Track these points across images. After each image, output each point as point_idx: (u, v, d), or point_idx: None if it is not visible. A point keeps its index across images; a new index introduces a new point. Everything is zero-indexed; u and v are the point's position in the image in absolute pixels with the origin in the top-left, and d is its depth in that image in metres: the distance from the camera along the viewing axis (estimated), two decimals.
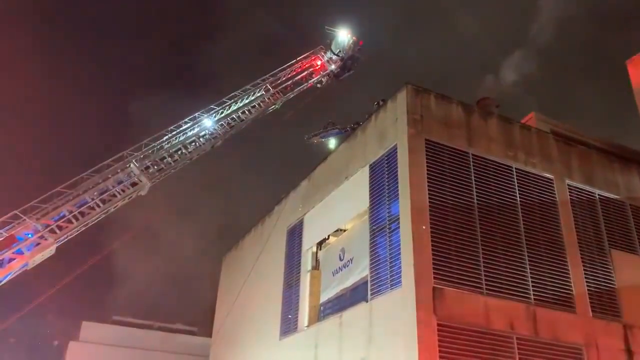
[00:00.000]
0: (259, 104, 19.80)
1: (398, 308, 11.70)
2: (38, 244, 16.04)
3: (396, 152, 13.39)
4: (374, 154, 14.47)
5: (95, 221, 17.23)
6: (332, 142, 18.00)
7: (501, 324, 11.95)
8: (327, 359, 14.05)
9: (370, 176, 14.37)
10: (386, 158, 13.82)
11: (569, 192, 14.92)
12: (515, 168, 14.33)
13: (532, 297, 12.71)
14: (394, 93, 14.34)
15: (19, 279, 16.38)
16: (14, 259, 15.79)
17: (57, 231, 16.27)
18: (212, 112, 19.15)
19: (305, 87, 21.24)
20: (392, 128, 13.97)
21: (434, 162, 13.14)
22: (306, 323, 16.06)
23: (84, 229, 17.01)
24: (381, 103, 15.42)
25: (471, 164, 13.70)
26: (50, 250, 16.50)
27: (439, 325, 11.20)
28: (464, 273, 12.12)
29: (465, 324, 11.51)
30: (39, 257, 16.33)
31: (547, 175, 14.81)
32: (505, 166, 14.20)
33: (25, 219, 15.97)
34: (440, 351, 10.96)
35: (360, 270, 14.08)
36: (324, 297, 15.99)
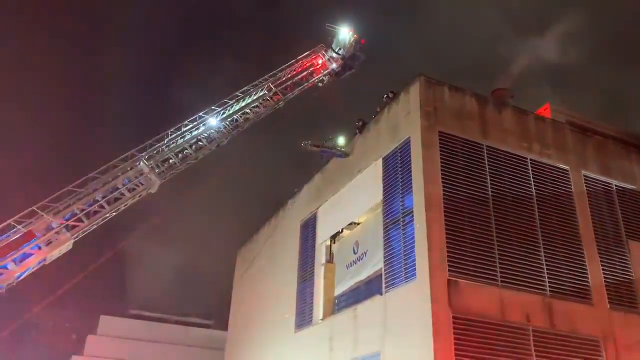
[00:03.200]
0: (261, 104, 19.82)
1: (413, 301, 11.69)
2: (50, 242, 16.28)
3: (410, 145, 13.34)
4: (387, 147, 14.42)
5: (107, 219, 17.46)
6: (341, 140, 17.91)
7: (517, 316, 11.90)
8: (342, 351, 14.10)
9: (383, 169, 14.33)
10: (400, 151, 13.77)
11: (585, 183, 14.77)
12: (531, 159, 14.20)
13: (548, 289, 12.62)
14: (407, 86, 14.27)
15: (38, 274, 16.66)
16: (32, 254, 16.05)
17: (68, 232, 16.53)
18: (214, 113, 19.24)
19: (306, 87, 21.10)
20: (405, 121, 13.90)
21: (448, 155, 13.07)
22: (321, 316, 16.11)
23: (96, 227, 17.25)
24: (391, 96, 15.32)
25: (486, 155, 13.60)
26: (67, 246, 16.75)
27: (454, 318, 11.17)
28: (479, 265, 12.07)
29: (480, 317, 11.47)
30: (57, 253, 16.59)
31: (563, 166, 14.66)
32: (520, 158, 14.08)
33: (43, 215, 16.20)
34: (455, 344, 10.94)
35: (375, 264, 14.08)
36: (338, 291, 16.03)
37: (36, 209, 16.20)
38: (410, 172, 12.99)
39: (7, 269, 15.64)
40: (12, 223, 15.91)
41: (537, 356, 11.66)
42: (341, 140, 17.84)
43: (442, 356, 10.68)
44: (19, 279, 16.14)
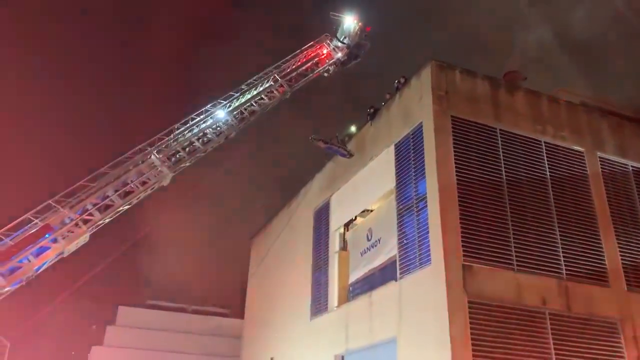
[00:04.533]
0: (266, 96, 19.78)
1: (428, 286, 11.69)
2: (66, 235, 16.50)
3: (422, 130, 13.26)
4: (399, 133, 14.35)
5: (120, 212, 17.65)
6: (352, 128, 17.85)
7: (533, 299, 11.85)
8: (358, 338, 14.17)
9: (396, 155, 14.28)
10: (412, 136, 13.70)
11: (601, 164, 14.59)
12: (544, 142, 14.06)
13: (564, 272, 12.54)
14: (418, 70, 14.15)
15: (56, 266, 16.92)
16: (50, 247, 16.28)
17: (84, 224, 16.75)
18: (220, 105, 19.27)
19: (311, 77, 20.95)
20: (417, 106, 13.81)
21: (461, 139, 12.98)
22: (336, 303, 16.18)
23: (110, 219, 17.45)
24: (402, 81, 15.23)
25: (499, 139, 13.49)
26: (84, 238, 16.97)
27: (469, 302, 11.16)
28: (494, 250, 12.02)
29: (496, 301, 11.44)
30: (74, 245, 16.82)
31: (578, 148, 14.49)
32: (533, 140, 13.94)
33: (59, 209, 16.39)
34: (471, 328, 10.94)
35: (389, 250, 14.09)
36: (352, 278, 16.06)
37: (52, 203, 16.40)
38: (423, 157, 12.94)
39: (26, 262, 15.88)
40: (29, 217, 16.12)
41: (553, 339, 11.63)
42: (353, 129, 17.80)
43: (458, 341, 10.69)
44: (38, 272, 16.40)
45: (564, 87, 17.01)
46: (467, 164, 12.73)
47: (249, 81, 19.81)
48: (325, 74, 21.52)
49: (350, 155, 16.45)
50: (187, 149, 18.79)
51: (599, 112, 15.79)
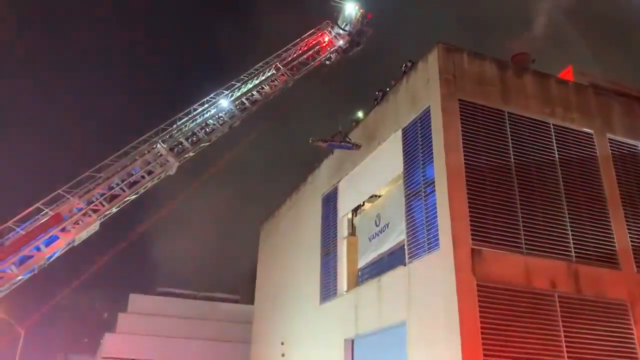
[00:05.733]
0: (268, 85, 19.71)
1: (436, 270, 11.71)
2: (76, 224, 16.66)
3: (429, 114, 13.18)
4: (406, 117, 14.28)
5: (127, 202, 17.79)
6: (359, 114, 17.73)
7: (542, 282, 11.84)
8: (367, 321, 14.25)
9: (403, 140, 14.23)
10: (419, 121, 13.63)
11: (610, 146, 14.47)
12: (553, 124, 13.94)
13: (573, 254, 12.51)
14: (425, 53, 14.03)
15: (67, 255, 17.10)
16: (60, 236, 16.44)
17: (94, 213, 16.91)
18: (223, 95, 19.26)
19: (313, 66, 20.82)
20: (424, 90, 13.72)
21: (469, 123, 12.89)
22: (345, 288, 16.26)
23: (117, 209, 17.60)
24: (409, 65, 15.10)
25: (507, 122, 13.39)
26: (94, 226, 17.13)
27: (478, 286, 11.17)
28: (503, 233, 11.99)
29: (505, 284, 11.44)
30: (85, 234, 17.00)
31: (587, 130, 14.36)
32: (542, 123, 13.83)
33: (69, 198, 16.53)
34: (480, 312, 10.96)
35: (397, 235, 14.10)
36: (361, 263, 16.12)
37: (62, 192, 16.54)
38: (431, 141, 12.88)
39: (36, 251, 16.06)
40: (40, 206, 16.27)
41: (563, 322, 11.64)
42: (359, 114, 17.70)
43: (468, 325, 10.72)
44: (50, 261, 16.58)
45: (575, 68, 16.79)
46: (475, 147, 12.66)
47: (249, 71, 19.79)
48: (327, 62, 21.41)
49: (357, 147, 16.30)
50: (190, 140, 18.86)
51: (608, 94, 15.62)
